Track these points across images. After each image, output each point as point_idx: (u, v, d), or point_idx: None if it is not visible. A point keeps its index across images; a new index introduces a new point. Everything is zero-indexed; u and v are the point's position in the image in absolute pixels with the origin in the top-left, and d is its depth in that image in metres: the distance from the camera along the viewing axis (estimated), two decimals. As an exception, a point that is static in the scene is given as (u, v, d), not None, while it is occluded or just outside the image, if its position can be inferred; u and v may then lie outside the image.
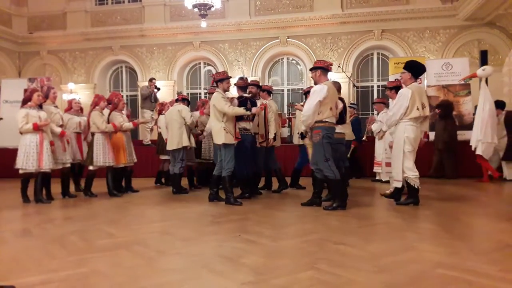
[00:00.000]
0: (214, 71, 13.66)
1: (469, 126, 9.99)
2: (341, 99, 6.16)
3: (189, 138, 7.22)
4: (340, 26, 13.93)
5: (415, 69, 5.75)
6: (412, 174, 5.51)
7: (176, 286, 2.63)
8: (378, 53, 14.46)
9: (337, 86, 6.30)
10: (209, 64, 15.29)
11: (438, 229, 4.20)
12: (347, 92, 13.19)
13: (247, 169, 6.46)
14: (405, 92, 5.54)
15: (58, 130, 6.55)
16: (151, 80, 11.27)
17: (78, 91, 15.51)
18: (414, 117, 5.48)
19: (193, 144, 7.40)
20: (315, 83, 5.64)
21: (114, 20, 15.57)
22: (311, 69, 5.69)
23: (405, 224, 4.47)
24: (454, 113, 9.83)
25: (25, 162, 6.17)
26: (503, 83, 9.44)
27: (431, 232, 4.09)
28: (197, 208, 5.77)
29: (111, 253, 3.44)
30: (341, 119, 6.03)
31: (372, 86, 14.39)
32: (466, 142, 8.91)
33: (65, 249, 3.65)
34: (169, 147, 7.23)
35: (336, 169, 5.39)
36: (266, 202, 6.18)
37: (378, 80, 14.27)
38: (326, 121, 5.39)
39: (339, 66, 12.58)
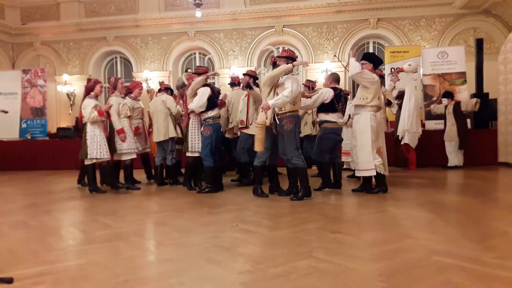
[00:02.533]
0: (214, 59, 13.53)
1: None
2: (339, 90, 6.15)
3: (175, 128, 7.14)
4: (336, 15, 13.87)
5: (375, 60, 5.90)
6: (378, 161, 5.64)
7: (173, 276, 2.64)
8: (374, 42, 14.43)
9: (336, 76, 6.39)
10: (204, 55, 15.21)
11: (434, 217, 4.22)
12: (343, 81, 13.15)
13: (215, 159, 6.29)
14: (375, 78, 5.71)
15: (118, 125, 6.43)
16: (186, 70, 11.10)
17: (72, 83, 15.44)
18: (376, 104, 5.66)
19: (179, 135, 7.20)
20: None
21: (108, 10, 15.42)
22: (277, 57, 5.69)
23: (401, 213, 4.50)
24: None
25: (99, 152, 6.16)
26: (498, 72, 9.44)
27: (426, 221, 4.11)
28: (194, 198, 5.77)
29: (108, 244, 3.44)
30: (332, 107, 6.07)
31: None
32: None
33: (63, 241, 3.65)
34: (156, 138, 7.08)
35: (303, 158, 5.45)
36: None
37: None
38: (296, 110, 5.51)
39: (335, 55, 12.50)
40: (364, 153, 5.66)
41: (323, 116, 6.12)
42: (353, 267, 2.74)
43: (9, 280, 2.54)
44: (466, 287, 2.38)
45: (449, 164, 8.84)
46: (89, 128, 6.20)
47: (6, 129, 12.19)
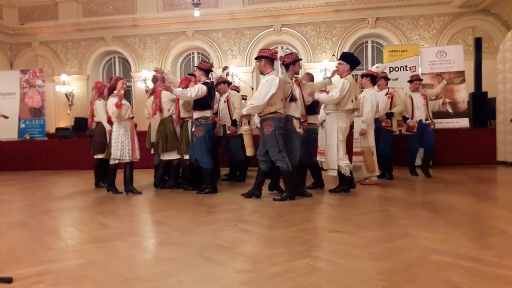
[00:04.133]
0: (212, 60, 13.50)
1: (463, 114, 10.08)
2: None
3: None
4: (334, 14, 13.87)
5: (352, 61, 5.91)
6: (343, 162, 5.75)
7: (172, 276, 2.64)
8: (372, 41, 14.43)
9: (312, 77, 6.54)
10: (203, 54, 15.20)
11: (433, 216, 4.23)
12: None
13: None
14: (346, 82, 5.72)
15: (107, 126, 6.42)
16: (225, 68, 11.04)
17: (71, 83, 15.41)
18: (348, 109, 5.76)
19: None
20: (261, 73, 5.59)
21: (106, 10, 15.41)
22: (255, 58, 5.66)
23: (400, 212, 4.50)
24: (448, 100, 9.90)
25: (121, 153, 6.07)
26: (497, 71, 9.44)
27: (425, 219, 4.12)
28: (193, 198, 5.77)
29: (107, 244, 3.44)
30: (312, 109, 6.11)
31: (367, 74, 14.37)
32: (457, 130, 9.07)
33: (62, 241, 3.65)
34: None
35: (288, 160, 5.38)
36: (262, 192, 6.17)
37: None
38: (277, 112, 5.37)
39: (333, 55, 12.53)
40: (330, 153, 5.82)
41: (308, 118, 6.08)
42: (352, 266, 2.74)
43: (9, 280, 2.54)
44: (465, 285, 2.38)
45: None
46: (114, 127, 6.15)
47: (4, 130, 12.20)
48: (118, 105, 5.95)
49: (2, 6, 15.61)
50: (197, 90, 5.85)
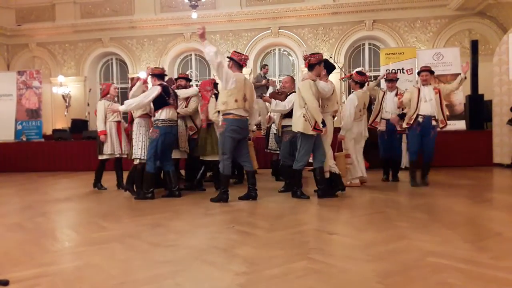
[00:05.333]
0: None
1: (460, 116, 10.12)
2: None
3: None
4: (332, 17, 13.90)
5: (328, 67, 5.93)
6: (333, 163, 5.80)
7: (170, 278, 2.64)
8: (369, 44, 14.45)
9: (292, 80, 6.50)
10: (200, 56, 15.19)
11: (429, 219, 4.24)
12: (338, 83, 13.19)
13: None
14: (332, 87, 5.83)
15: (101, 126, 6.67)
16: (264, 66, 10.95)
17: (68, 84, 15.37)
18: (335, 110, 5.88)
19: None
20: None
21: (104, 11, 15.39)
22: (227, 57, 5.63)
23: (397, 214, 4.51)
24: (445, 103, 9.93)
25: (143, 152, 5.94)
26: (493, 73, 9.49)
27: (422, 222, 4.13)
28: (190, 200, 5.76)
29: (104, 246, 3.43)
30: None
31: (364, 77, 14.39)
32: (455, 132, 9.10)
33: (58, 243, 3.64)
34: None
35: (229, 164, 5.42)
36: (258, 194, 6.18)
37: (370, 71, 14.27)
38: (230, 113, 5.35)
39: (330, 57, 12.54)
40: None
41: (289, 121, 6.06)
42: (349, 268, 2.75)
43: (5, 283, 2.53)
44: (461, 287, 2.39)
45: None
46: (135, 127, 6.08)
47: (1, 131, 12.17)
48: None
49: (-1, 7, 15.58)
50: (133, 101, 5.78)
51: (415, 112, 6.51)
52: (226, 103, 5.32)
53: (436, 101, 6.51)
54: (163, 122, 5.72)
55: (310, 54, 5.71)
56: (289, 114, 6.04)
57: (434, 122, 6.52)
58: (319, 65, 5.57)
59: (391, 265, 2.79)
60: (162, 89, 5.73)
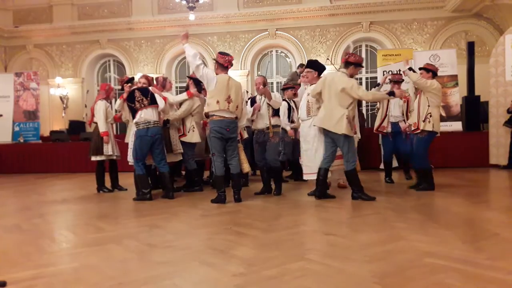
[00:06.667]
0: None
1: (456, 117, 10.16)
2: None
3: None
4: (329, 18, 13.93)
5: (319, 68, 5.92)
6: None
7: (167, 279, 2.64)
8: (366, 45, 14.49)
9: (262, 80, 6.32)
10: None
11: (426, 219, 4.26)
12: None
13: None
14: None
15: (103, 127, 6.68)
16: (302, 65, 10.94)
17: (65, 86, 15.36)
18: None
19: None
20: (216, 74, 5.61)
21: (101, 13, 15.39)
22: (213, 59, 5.67)
23: (393, 215, 4.52)
24: (441, 104, 9.96)
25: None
26: (489, 74, 9.53)
27: (419, 222, 4.14)
28: (187, 201, 5.77)
29: (101, 247, 3.43)
30: (278, 111, 6.12)
31: (361, 78, 14.43)
32: (450, 133, 9.33)
33: (56, 244, 3.64)
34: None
35: (220, 165, 5.43)
36: (256, 196, 6.19)
37: (367, 72, 14.33)
38: (213, 115, 5.35)
39: (328, 59, 12.56)
40: (307, 158, 5.87)
41: (278, 121, 6.11)
42: (346, 268, 2.75)
43: (2, 284, 2.52)
44: None
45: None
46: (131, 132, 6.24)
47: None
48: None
49: (-4, 8, 15.56)
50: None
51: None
52: (208, 104, 5.37)
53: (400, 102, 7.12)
54: (137, 125, 5.84)
55: (351, 53, 5.62)
56: (278, 113, 6.10)
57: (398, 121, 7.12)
58: (355, 67, 5.38)
59: (388, 265, 2.80)
60: (125, 99, 5.99)
